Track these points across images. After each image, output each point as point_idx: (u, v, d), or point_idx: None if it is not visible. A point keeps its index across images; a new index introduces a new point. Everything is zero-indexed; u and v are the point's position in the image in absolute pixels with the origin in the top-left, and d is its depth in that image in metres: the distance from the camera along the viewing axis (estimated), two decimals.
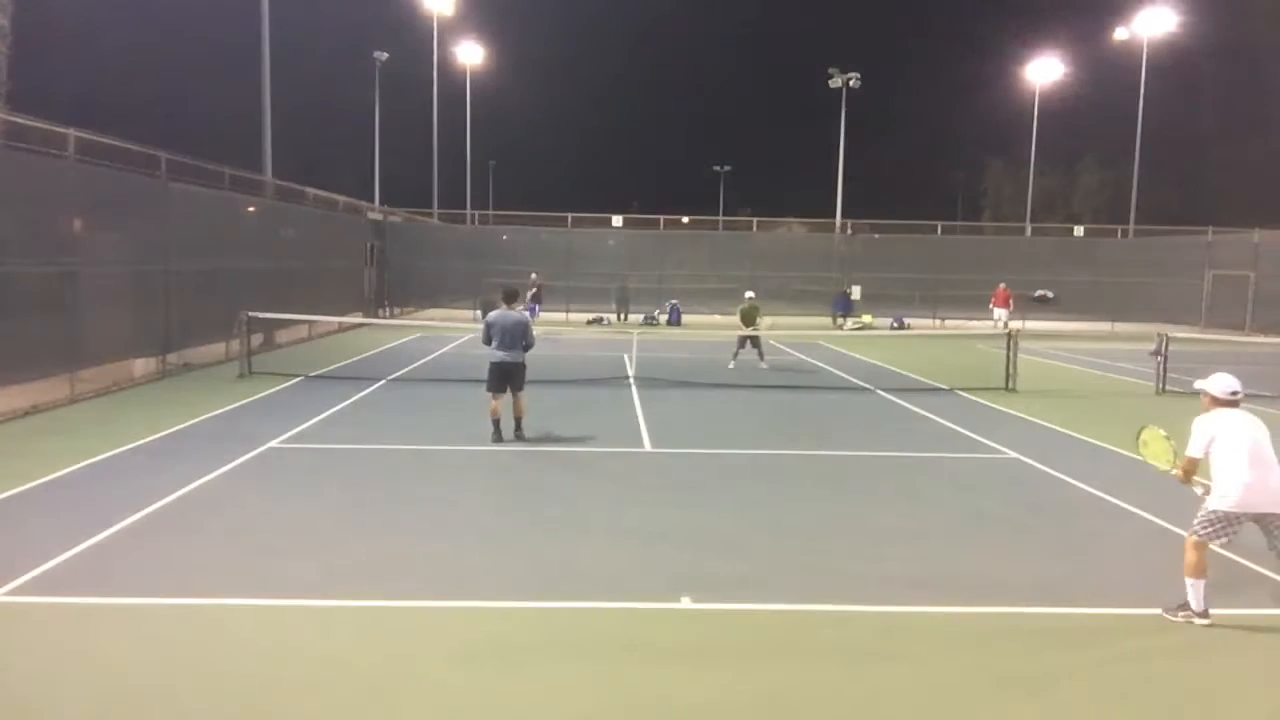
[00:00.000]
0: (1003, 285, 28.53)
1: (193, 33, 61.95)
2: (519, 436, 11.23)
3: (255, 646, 5.40)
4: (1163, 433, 6.74)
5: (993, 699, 5.02)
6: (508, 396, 11.20)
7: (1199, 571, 6.02)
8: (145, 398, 13.91)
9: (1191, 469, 6.31)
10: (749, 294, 20.10)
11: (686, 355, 21.12)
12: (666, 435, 11.96)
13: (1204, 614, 5.97)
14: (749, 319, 19.38)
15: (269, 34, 24.57)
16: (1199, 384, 6.51)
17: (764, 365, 19.01)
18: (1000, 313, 27.78)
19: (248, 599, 6.08)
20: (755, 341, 19.20)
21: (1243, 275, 32.18)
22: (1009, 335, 17.45)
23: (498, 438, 11.06)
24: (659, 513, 8.33)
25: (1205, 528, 6.07)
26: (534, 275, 29.21)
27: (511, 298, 11.49)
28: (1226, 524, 6.03)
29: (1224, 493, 6.02)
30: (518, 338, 11.07)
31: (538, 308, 28.28)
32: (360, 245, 30.47)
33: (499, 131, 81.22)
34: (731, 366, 18.96)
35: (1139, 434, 6.95)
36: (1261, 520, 5.99)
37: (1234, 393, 6.30)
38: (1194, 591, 6.01)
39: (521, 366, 11.16)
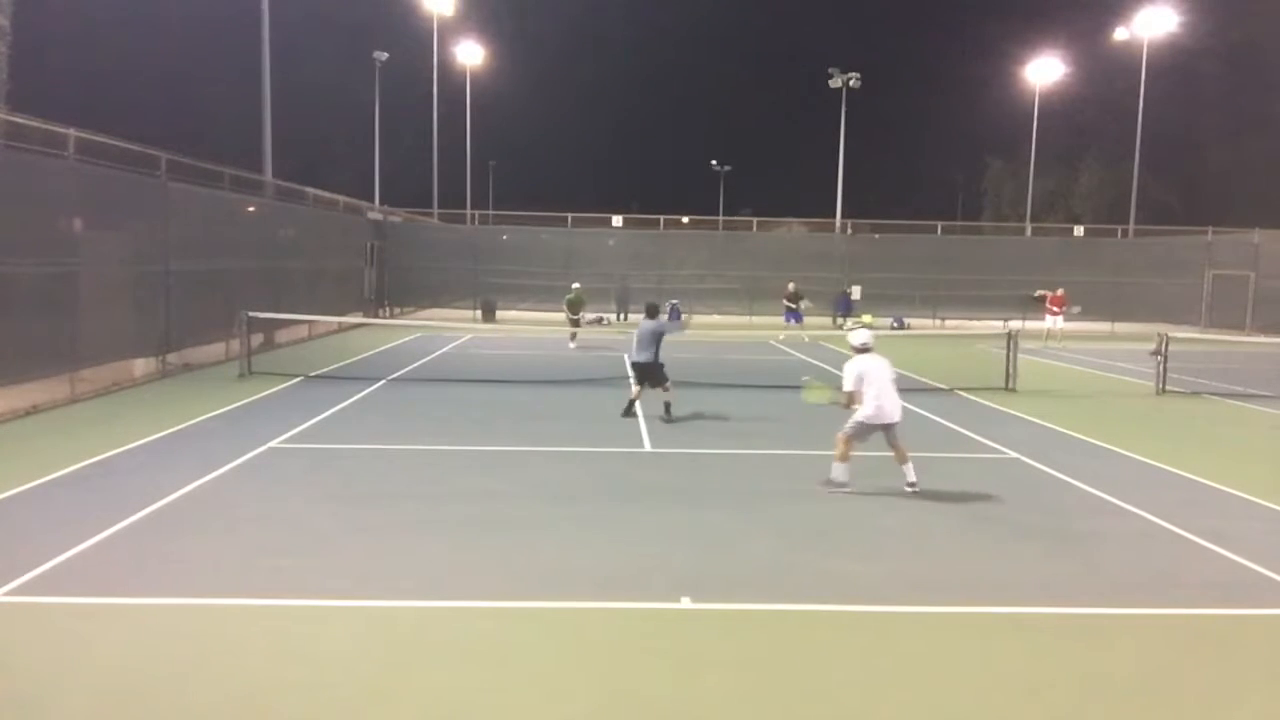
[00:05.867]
0: (1061, 290, 26.95)
1: (193, 33, 61.94)
2: (667, 418, 12.84)
3: (255, 646, 5.41)
4: (818, 389, 9.80)
5: (993, 699, 5.02)
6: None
7: (847, 458, 9.00)
8: (145, 398, 13.91)
9: (853, 399, 8.99)
10: (575, 285, 23.57)
11: (686, 355, 21.10)
12: (666, 435, 11.96)
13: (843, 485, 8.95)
14: (576, 307, 22.94)
15: (269, 34, 24.57)
16: (850, 337, 9.53)
17: (572, 345, 22.65)
18: (1054, 319, 26.85)
19: (248, 599, 6.09)
20: (576, 324, 23.08)
21: (1243, 275, 32.18)
22: (1009, 336, 17.44)
23: (628, 413, 13.05)
24: (659, 513, 8.33)
25: (851, 429, 9.03)
26: (791, 285, 28.76)
27: (653, 312, 13.68)
28: (866, 431, 9.02)
29: (866, 409, 8.91)
30: (649, 344, 13.03)
31: (799, 311, 27.50)
32: (360, 245, 30.45)
33: (499, 131, 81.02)
34: (572, 347, 22.62)
35: (811, 392, 9.81)
36: (888, 428, 9.00)
37: (865, 344, 9.22)
38: (843, 470, 9.01)
39: (655, 365, 13.06)
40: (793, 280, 28.22)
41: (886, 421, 8.99)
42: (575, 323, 23.15)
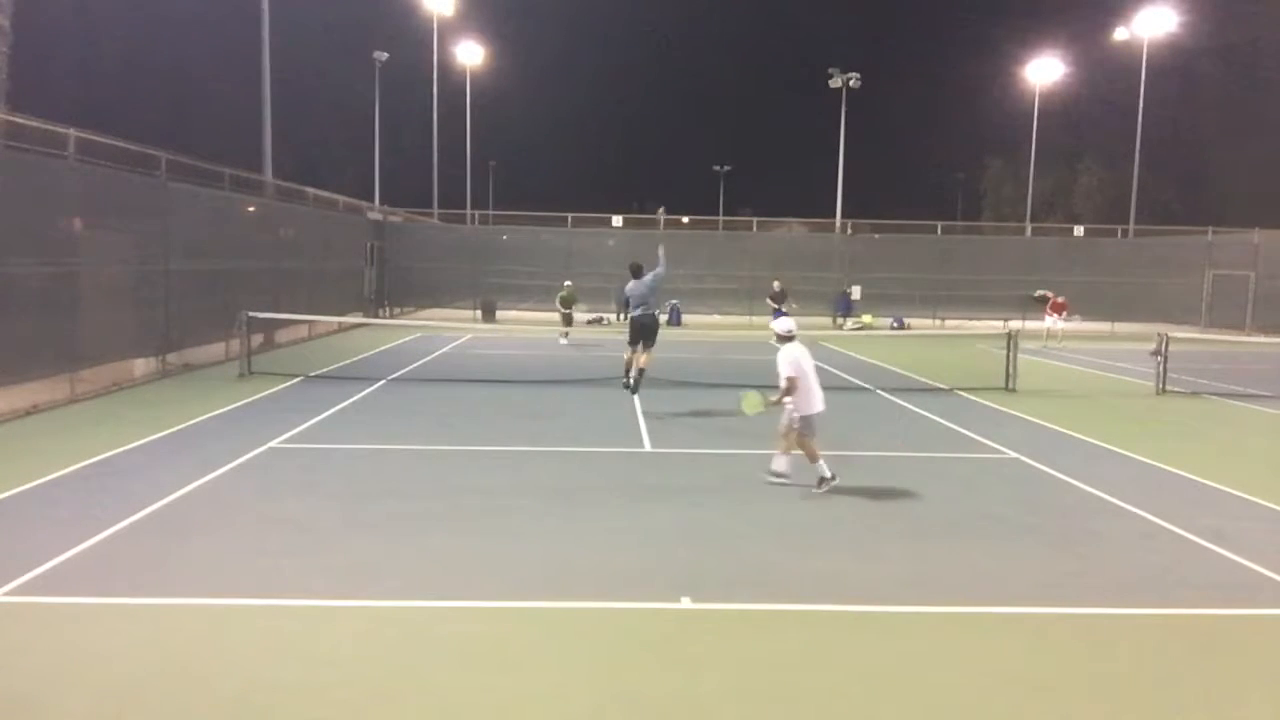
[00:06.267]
0: (1063, 298, 27.23)
1: (193, 33, 61.94)
2: (633, 385, 13.50)
3: (255, 646, 5.41)
4: (754, 397, 9.68)
5: (993, 699, 5.02)
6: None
7: (815, 456, 9.04)
8: (145, 398, 13.91)
9: (793, 385, 8.88)
10: (567, 282, 24.67)
11: (686, 355, 21.11)
12: (666, 435, 11.96)
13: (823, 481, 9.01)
14: (568, 304, 23.79)
15: (269, 34, 24.57)
16: (774, 324, 9.61)
17: (564, 341, 23.30)
18: (1053, 320, 26.94)
19: (248, 599, 6.09)
20: (569, 321, 23.95)
21: (1243, 275, 32.16)
22: (1009, 336, 17.43)
23: (628, 385, 13.61)
24: (659, 513, 8.33)
25: (797, 424, 9.04)
26: (776, 284, 28.47)
27: (638, 271, 13.74)
28: (809, 421, 8.98)
29: (801, 400, 8.92)
30: (648, 297, 13.43)
31: (783, 310, 27.11)
32: (360, 245, 30.45)
33: (499, 131, 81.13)
34: (564, 343, 23.23)
35: (748, 402, 9.74)
36: (814, 419, 9.01)
37: (790, 331, 9.28)
38: (823, 467, 9.03)
39: (654, 321, 13.53)
40: (778, 279, 28.37)
41: (819, 410, 9.03)
42: (567, 319, 23.68)
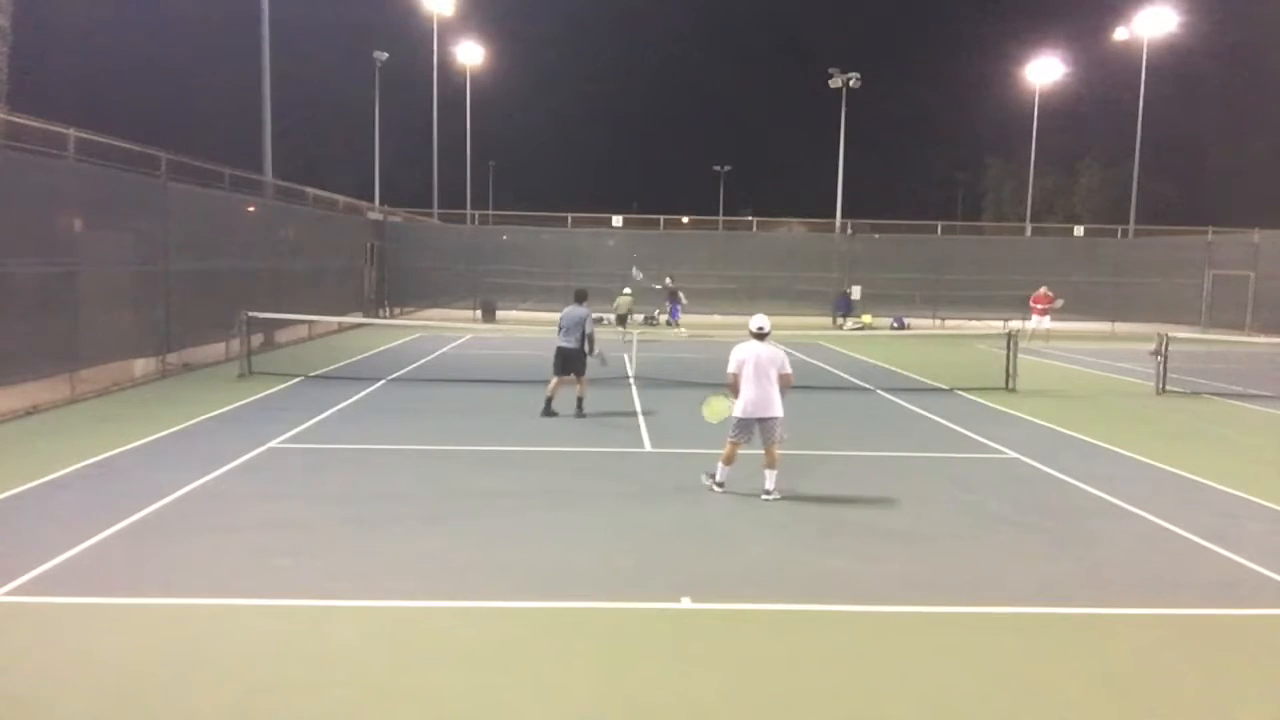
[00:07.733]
0: (1043, 289, 27.27)
1: (193, 33, 61.97)
2: (579, 414, 12.90)
3: (255, 646, 5.41)
4: (717, 403, 9.33)
5: (993, 699, 5.02)
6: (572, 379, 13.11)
7: (731, 460, 8.83)
8: (145, 398, 13.91)
9: (734, 383, 8.74)
10: (627, 291, 25.89)
11: (687, 355, 21.11)
12: (666, 435, 11.96)
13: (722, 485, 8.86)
14: (626, 310, 25.22)
15: (269, 34, 24.56)
16: (751, 321, 9.03)
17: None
18: (1040, 319, 26.94)
19: (248, 599, 6.08)
20: (624, 322, 25.02)
21: (1243, 275, 32.14)
22: (1009, 336, 17.43)
23: (548, 413, 12.87)
24: (659, 513, 8.33)
25: (734, 431, 8.78)
26: (668, 280, 29.92)
27: (581, 298, 13.38)
28: (745, 427, 8.69)
29: (740, 401, 8.69)
30: (575, 329, 12.89)
31: (679, 309, 29.47)
32: (360, 245, 30.43)
33: (499, 131, 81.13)
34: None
35: (709, 408, 9.40)
36: (763, 423, 8.64)
37: (760, 328, 8.88)
38: (722, 471, 8.88)
39: (579, 353, 12.91)
40: (670, 275, 30.05)
41: (758, 415, 8.67)
42: (622, 320, 25.00)
